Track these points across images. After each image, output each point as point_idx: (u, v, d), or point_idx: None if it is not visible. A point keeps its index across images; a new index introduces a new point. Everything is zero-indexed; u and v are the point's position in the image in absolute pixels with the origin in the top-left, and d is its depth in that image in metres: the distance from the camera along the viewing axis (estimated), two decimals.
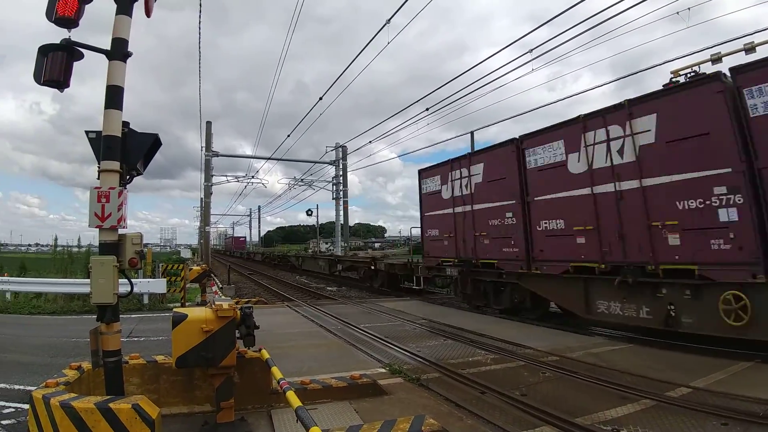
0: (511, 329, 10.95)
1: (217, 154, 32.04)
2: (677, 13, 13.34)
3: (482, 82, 18.21)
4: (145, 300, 15.56)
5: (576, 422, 5.09)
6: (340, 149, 35.19)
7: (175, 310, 4.78)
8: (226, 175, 37.92)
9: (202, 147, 32.02)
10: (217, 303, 4.78)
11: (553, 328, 11.01)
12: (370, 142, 30.89)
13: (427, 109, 22.56)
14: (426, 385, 6.59)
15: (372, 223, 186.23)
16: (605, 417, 5.35)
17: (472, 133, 28.55)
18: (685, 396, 6.08)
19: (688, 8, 13.15)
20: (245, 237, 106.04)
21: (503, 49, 16.65)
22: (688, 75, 13.55)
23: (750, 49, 12.80)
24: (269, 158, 36.84)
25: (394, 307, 14.80)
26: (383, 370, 7.28)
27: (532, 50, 15.99)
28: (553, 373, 7.21)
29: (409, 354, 8.44)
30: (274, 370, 4.40)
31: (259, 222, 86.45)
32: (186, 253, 50.64)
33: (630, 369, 7.27)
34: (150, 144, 5.02)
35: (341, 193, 35.33)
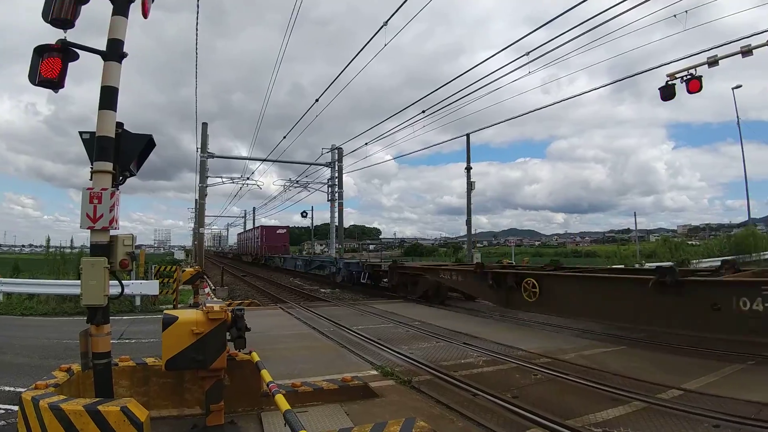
0: (504, 331, 10.99)
1: (212, 156, 31.90)
2: (674, 15, 13.42)
3: (478, 85, 18.30)
4: (137, 302, 15.48)
5: (567, 424, 5.08)
6: (336, 151, 35.15)
7: (165, 311, 4.76)
8: (221, 177, 37.50)
9: (197, 148, 31.84)
10: (208, 305, 4.76)
11: (547, 330, 11.04)
12: (366, 144, 30.67)
13: (423, 111, 22.63)
14: (417, 387, 6.57)
15: (367, 225, 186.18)
16: (596, 419, 5.36)
17: (468, 135, 28.74)
18: (676, 398, 6.09)
19: (686, 11, 13.24)
20: (287, 228, 58.85)
21: (500, 51, 16.78)
22: (684, 77, 13.66)
23: (747, 51, 12.88)
24: (264, 160, 36.68)
25: (387, 309, 14.80)
26: (375, 373, 7.27)
27: (528, 53, 16.09)
28: (544, 375, 7.21)
29: (401, 356, 8.42)
30: (264, 373, 4.38)
31: (254, 223, 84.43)
32: (180, 255, 50.54)
33: (621, 371, 7.27)
34: (143, 145, 5.02)
35: (336, 195, 35.28)
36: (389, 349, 8.99)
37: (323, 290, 24.38)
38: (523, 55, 16.28)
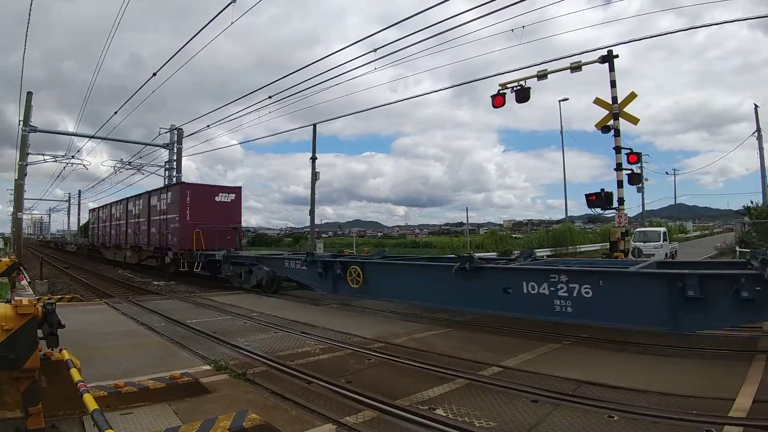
0: (342, 319, 11.22)
1: (35, 130, 27.99)
2: (512, 30, 14.55)
3: (329, 75, 18.39)
4: None
5: (396, 404, 5.33)
6: (176, 132, 32.95)
7: None
8: (43, 154, 33.03)
9: (19, 121, 27.58)
10: (16, 299, 4.23)
11: (383, 317, 11.47)
12: (208, 126, 29.33)
13: (270, 97, 22.15)
14: (252, 379, 6.45)
15: None
16: (423, 397, 5.67)
17: (314, 125, 28.69)
18: (496, 374, 6.62)
19: (523, 26, 14.40)
20: (237, 190, 25.08)
21: (350, 45, 17.07)
22: (515, 88, 14.97)
23: (576, 67, 14.37)
24: (93, 136, 32.82)
25: (225, 301, 14.30)
26: (208, 368, 6.97)
27: (376, 50, 16.49)
28: (378, 359, 7.49)
29: (236, 349, 8.18)
30: (73, 372, 4.00)
31: (79, 208, 75.00)
32: None
33: (447, 351, 7.82)
34: None
35: (174, 179, 33.04)
36: (224, 342, 8.69)
37: (156, 283, 22.79)
38: (371, 51, 16.70)
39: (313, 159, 28.11)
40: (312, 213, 28.85)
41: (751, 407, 5.05)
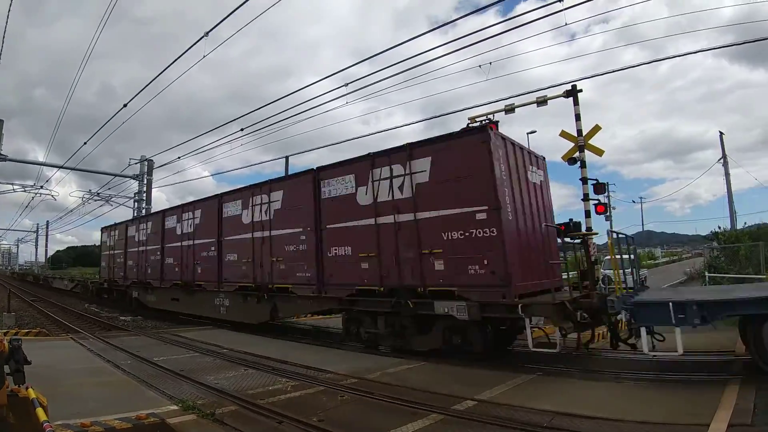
0: (314, 354, 11.01)
1: (5, 159, 27.36)
2: (479, 66, 14.87)
3: (301, 108, 18.51)
4: None
5: None
6: (146, 162, 32.56)
7: None
8: (13, 184, 32.26)
9: None
10: None
11: (355, 352, 11.32)
12: (179, 157, 29.09)
13: (242, 129, 22.21)
14: (221, 419, 6.25)
15: None
16: None
17: (287, 157, 28.61)
18: (471, 408, 6.53)
19: (490, 62, 14.75)
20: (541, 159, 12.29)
21: (323, 79, 17.27)
22: (483, 122, 15.21)
23: (542, 101, 14.67)
24: (62, 167, 32.37)
25: (195, 337, 13.96)
26: (175, 407, 6.74)
27: (347, 84, 16.70)
28: (350, 395, 7.35)
29: (205, 387, 7.95)
30: (39, 411, 3.89)
31: (47, 240, 73.20)
32: None
33: (421, 386, 7.71)
34: None
35: (144, 210, 32.52)
36: (193, 380, 8.44)
37: (123, 318, 22.14)
38: (343, 86, 16.91)
39: None
40: None
41: None
